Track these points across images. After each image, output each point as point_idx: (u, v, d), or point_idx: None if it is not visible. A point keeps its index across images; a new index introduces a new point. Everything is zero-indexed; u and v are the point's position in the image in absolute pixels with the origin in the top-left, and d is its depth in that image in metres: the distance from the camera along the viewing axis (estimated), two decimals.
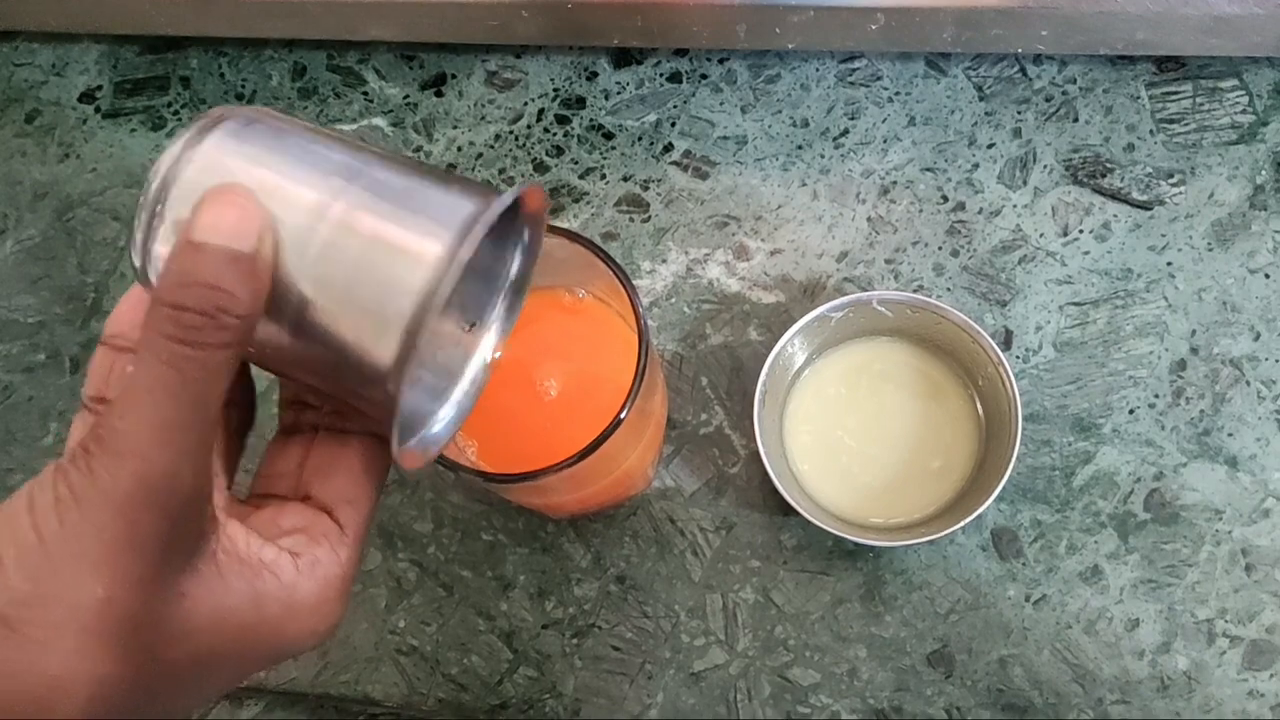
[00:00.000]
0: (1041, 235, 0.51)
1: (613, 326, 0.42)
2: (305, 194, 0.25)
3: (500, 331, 0.33)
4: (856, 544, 0.47)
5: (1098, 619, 0.46)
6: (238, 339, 0.24)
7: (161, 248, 0.26)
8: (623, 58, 0.55)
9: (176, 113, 0.57)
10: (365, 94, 0.56)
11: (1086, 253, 0.50)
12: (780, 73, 0.54)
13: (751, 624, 0.47)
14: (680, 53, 0.55)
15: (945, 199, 0.52)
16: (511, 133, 0.55)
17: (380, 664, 0.48)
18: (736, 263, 0.52)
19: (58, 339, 0.54)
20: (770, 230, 0.52)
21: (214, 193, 0.24)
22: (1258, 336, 0.49)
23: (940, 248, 0.51)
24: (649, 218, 0.53)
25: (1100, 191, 0.51)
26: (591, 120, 0.54)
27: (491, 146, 0.55)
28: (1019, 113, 0.52)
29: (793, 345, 0.46)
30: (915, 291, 0.50)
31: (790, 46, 0.51)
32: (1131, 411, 0.48)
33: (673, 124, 0.54)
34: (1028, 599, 0.47)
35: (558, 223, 0.53)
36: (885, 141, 0.53)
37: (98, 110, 0.58)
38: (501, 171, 0.54)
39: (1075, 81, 0.52)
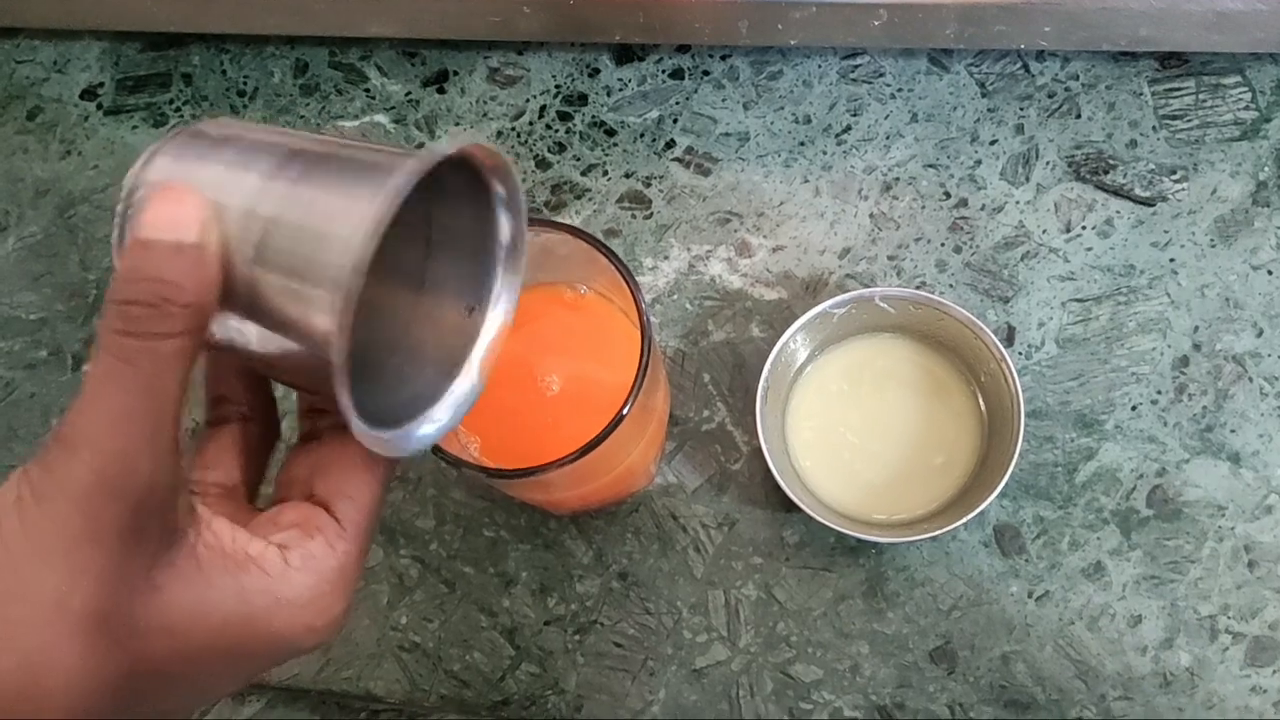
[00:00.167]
0: (1044, 231, 0.51)
1: (615, 322, 0.42)
2: (246, 181, 0.26)
3: (505, 304, 0.32)
4: (859, 540, 0.47)
5: (1100, 615, 0.46)
6: (186, 327, 0.24)
7: (120, 254, 0.27)
8: (624, 54, 0.55)
9: (178, 109, 0.57)
10: (367, 91, 0.56)
11: (1089, 249, 0.50)
12: (782, 69, 0.54)
13: (754, 620, 0.47)
14: (682, 49, 0.55)
15: (948, 195, 0.52)
16: (513, 129, 0.55)
17: (382, 660, 0.48)
18: (739, 259, 0.52)
19: (59, 336, 0.54)
20: (772, 227, 0.52)
21: (157, 191, 0.25)
22: (1260, 333, 0.49)
23: (943, 244, 0.51)
24: (651, 214, 0.53)
25: (1103, 188, 0.51)
26: (593, 117, 0.54)
27: (493, 143, 0.55)
28: (1021, 109, 0.52)
29: (795, 342, 0.46)
30: (918, 288, 0.50)
31: (792, 43, 0.51)
32: (1134, 408, 0.48)
33: (675, 120, 0.54)
34: (1030, 595, 0.46)
35: (560, 219, 0.53)
36: (888, 138, 0.53)
37: (99, 107, 0.58)
38: None
39: (1078, 78, 0.52)
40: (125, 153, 0.57)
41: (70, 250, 0.56)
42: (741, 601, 0.47)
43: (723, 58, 0.54)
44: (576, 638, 0.48)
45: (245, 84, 0.57)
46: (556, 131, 0.54)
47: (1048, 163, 0.51)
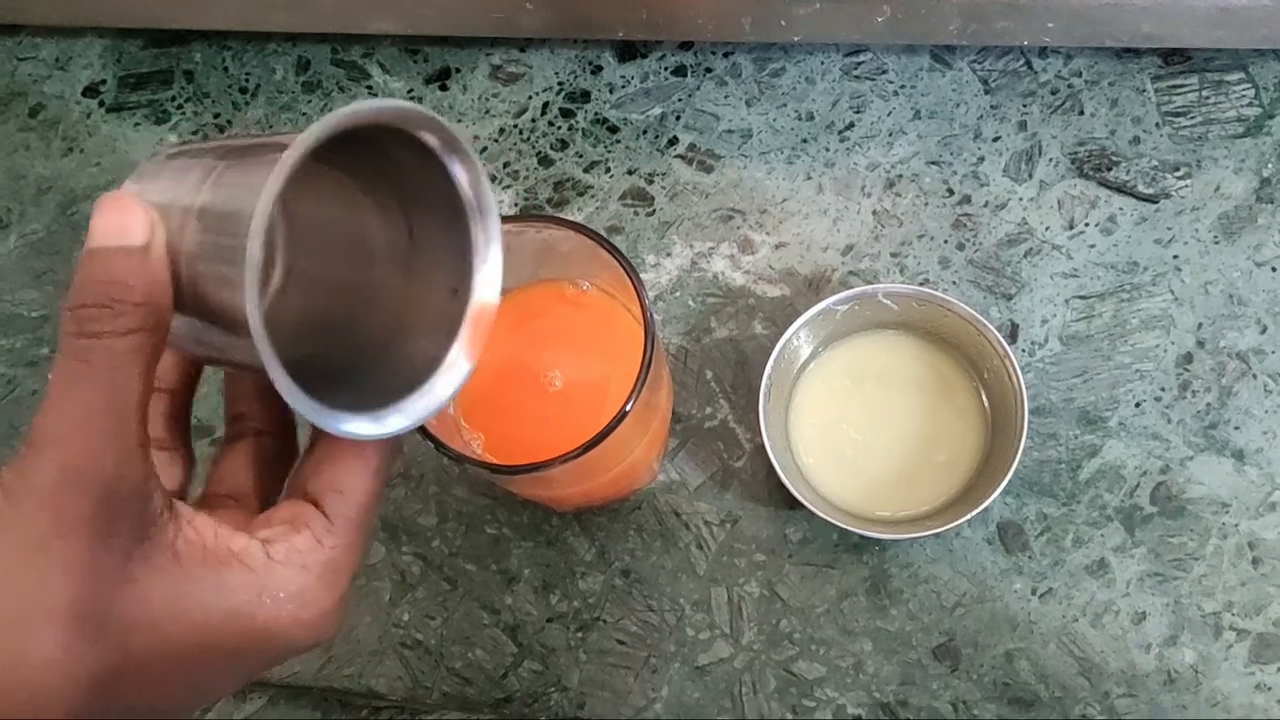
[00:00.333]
0: (1047, 228, 0.51)
1: (618, 318, 0.42)
2: (184, 184, 0.27)
3: (487, 276, 0.31)
4: (862, 537, 0.47)
5: (1104, 612, 0.46)
6: (140, 325, 0.25)
7: None
8: (627, 51, 0.55)
9: (180, 107, 0.57)
10: (369, 88, 0.56)
11: (1092, 246, 0.50)
12: (785, 66, 0.54)
13: (756, 618, 0.47)
14: (685, 46, 0.55)
15: (951, 192, 0.51)
16: (516, 126, 0.55)
17: (384, 657, 0.48)
18: (741, 256, 0.52)
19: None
20: (775, 224, 0.52)
21: (100, 203, 0.26)
22: (1264, 329, 0.48)
23: (946, 241, 0.51)
24: (653, 211, 0.53)
25: (1106, 185, 0.51)
26: (596, 114, 0.54)
27: (496, 140, 0.55)
28: (1024, 106, 0.52)
29: (798, 338, 0.46)
30: (921, 285, 0.50)
31: (795, 39, 0.51)
32: (1138, 405, 0.48)
33: (677, 117, 0.54)
34: (1034, 592, 0.46)
35: (562, 216, 0.53)
36: (890, 135, 0.53)
37: (101, 104, 0.58)
38: (506, 165, 0.54)
39: (1081, 75, 0.52)
40: (127, 150, 0.57)
41: (72, 248, 0.56)
42: (744, 599, 0.47)
43: (725, 54, 0.54)
44: (579, 635, 0.48)
45: (247, 81, 0.57)
46: (559, 129, 0.54)
47: (1051, 159, 0.51)
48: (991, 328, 0.44)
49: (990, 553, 0.47)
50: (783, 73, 0.54)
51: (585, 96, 0.55)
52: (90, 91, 0.58)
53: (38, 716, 0.24)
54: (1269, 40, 0.48)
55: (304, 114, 0.56)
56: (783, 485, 0.43)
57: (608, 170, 0.53)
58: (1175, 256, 0.50)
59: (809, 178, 0.52)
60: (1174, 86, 0.52)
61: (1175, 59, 0.52)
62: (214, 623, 0.26)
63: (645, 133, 0.54)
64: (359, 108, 0.26)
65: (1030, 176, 0.51)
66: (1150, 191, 0.51)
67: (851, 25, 0.50)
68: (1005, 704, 0.45)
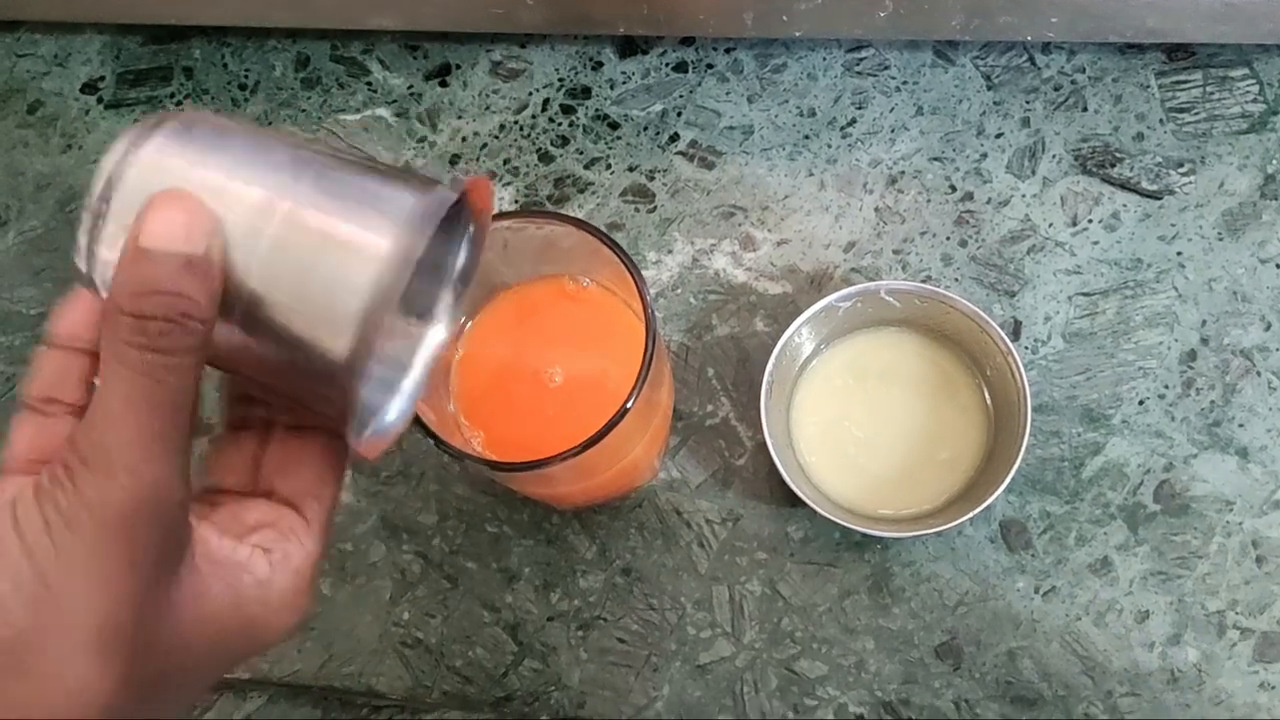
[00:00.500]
0: (1050, 225, 0.50)
1: (619, 315, 0.42)
2: (250, 193, 0.25)
3: (448, 323, 0.33)
4: (864, 535, 0.47)
5: (1107, 611, 0.46)
6: (202, 343, 0.24)
7: (107, 252, 0.25)
8: (628, 47, 0.55)
9: (179, 103, 0.57)
10: (369, 84, 0.56)
11: (1096, 243, 0.50)
12: (787, 62, 0.54)
13: (758, 616, 0.47)
14: (686, 42, 0.55)
15: (953, 189, 0.51)
16: (516, 123, 0.54)
17: (384, 656, 0.48)
18: (743, 253, 0.51)
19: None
20: (777, 220, 0.52)
21: (161, 197, 0.24)
22: (1268, 327, 0.48)
23: (948, 238, 0.51)
24: (654, 208, 0.52)
25: (1109, 181, 0.51)
26: (597, 110, 0.54)
27: (496, 137, 0.54)
28: (1027, 102, 0.52)
29: (800, 335, 0.46)
30: (923, 282, 0.50)
31: (797, 34, 0.51)
32: (1141, 402, 0.48)
33: (678, 114, 0.54)
34: (1037, 591, 0.46)
35: (563, 212, 0.53)
36: (893, 131, 0.52)
37: (100, 101, 0.58)
38: (506, 162, 0.54)
39: (1084, 70, 0.52)
40: None
41: (71, 245, 0.55)
42: (746, 597, 0.47)
43: (727, 50, 0.54)
44: (579, 633, 0.47)
45: (246, 77, 0.57)
46: (559, 125, 0.54)
47: (1054, 156, 0.51)
48: (994, 325, 0.44)
49: (993, 551, 0.47)
50: (784, 69, 0.54)
51: (586, 93, 0.54)
52: (89, 88, 0.58)
53: None
54: (1273, 35, 0.48)
55: (303, 110, 0.56)
56: (784, 483, 0.43)
57: (609, 167, 0.53)
58: (1179, 253, 0.50)
59: (811, 174, 0.52)
60: (1178, 82, 0.52)
61: (1179, 55, 0.52)
62: (228, 634, 0.26)
63: (646, 129, 0.54)
64: (473, 183, 0.27)
65: (1033, 173, 0.51)
66: (1154, 188, 0.50)
67: (854, 21, 0.49)
68: (1008, 703, 0.45)
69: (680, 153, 0.53)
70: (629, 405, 0.36)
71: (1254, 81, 0.51)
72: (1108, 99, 0.52)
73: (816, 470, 0.47)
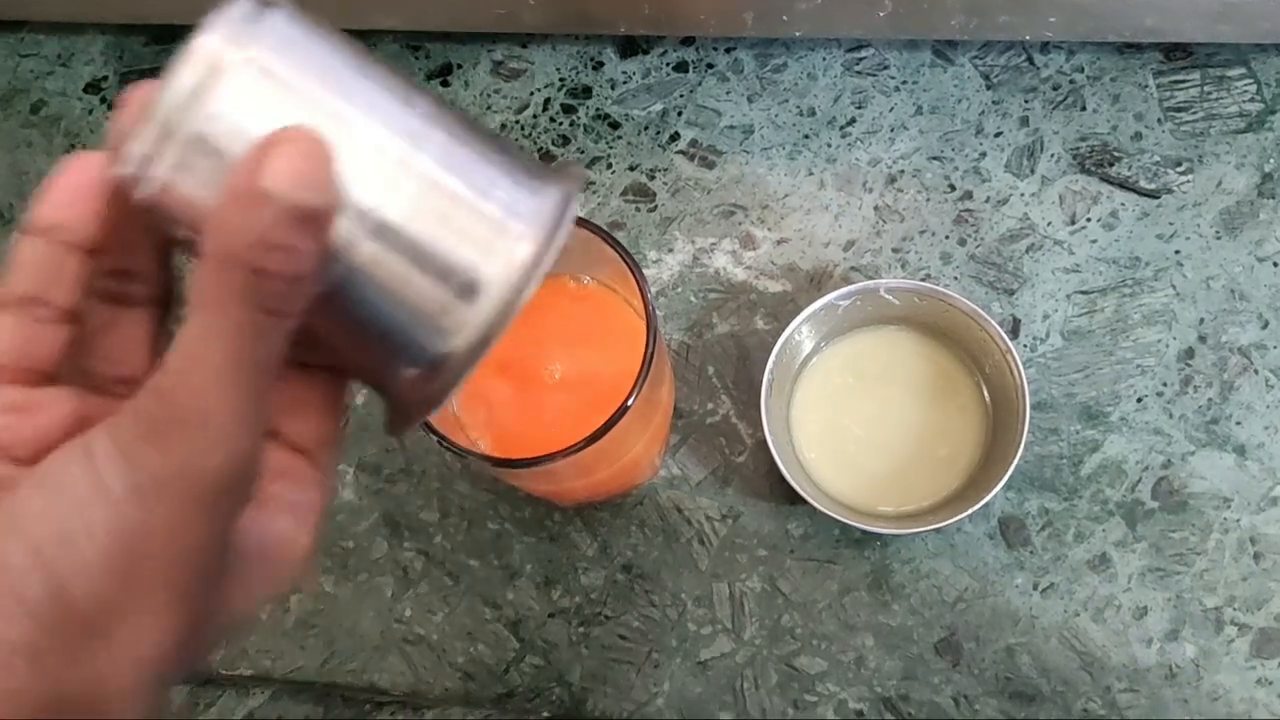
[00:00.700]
0: (1049, 224, 0.51)
1: (620, 313, 0.42)
2: (387, 141, 0.22)
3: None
4: (864, 532, 0.47)
5: (1105, 607, 0.46)
6: (307, 305, 0.21)
7: (176, 170, 0.21)
8: (629, 47, 0.55)
9: None
10: None
11: (1094, 241, 0.50)
12: (787, 62, 0.54)
13: (758, 613, 0.47)
14: (687, 42, 0.55)
15: (952, 188, 0.52)
16: (518, 122, 0.55)
17: (387, 653, 0.48)
18: (743, 252, 0.52)
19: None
20: (777, 219, 0.52)
21: (290, 134, 0.20)
22: (1266, 325, 0.49)
23: (947, 237, 0.51)
24: (655, 207, 0.53)
25: (1108, 180, 0.51)
26: (598, 110, 0.54)
27: (497, 136, 0.54)
28: (1026, 101, 0.52)
29: (800, 333, 0.46)
30: (922, 280, 0.50)
31: (797, 34, 0.51)
32: (1139, 400, 0.48)
33: (679, 113, 0.54)
34: (1035, 587, 0.46)
35: None
36: (892, 130, 0.53)
37: (103, 101, 0.58)
38: None
39: (1083, 70, 0.52)
40: None
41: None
42: (746, 594, 0.47)
43: (727, 50, 0.54)
44: (581, 630, 0.48)
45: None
46: (560, 124, 0.54)
47: (1052, 155, 0.51)
48: (993, 323, 0.44)
49: (992, 548, 0.47)
50: (784, 68, 0.54)
51: (587, 92, 0.55)
52: (92, 88, 0.58)
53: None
54: (1271, 35, 0.48)
55: None
56: (784, 480, 0.43)
57: (609, 166, 0.53)
58: (1177, 252, 0.50)
59: (811, 173, 0.52)
60: (1176, 82, 0.52)
61: (1177, 54, 0.52)
62: (254, 588, 0.24)
63: (647, 129, 0.54)
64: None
65: (1032, 172, 0.51)
66: (1152, 187, 0.51)
67: (853, 20, 0.50)
68: (1007, 699, 0.46)
69: (681, 152, 0.53)
70: (630, 403, 0.36)
71: (1251, 81, 0.51)
72: (1106, 98, 0.52)
73: (816, 467, 0.47)
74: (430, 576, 0.49)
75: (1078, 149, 0.51)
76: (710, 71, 0.54)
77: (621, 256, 0.37)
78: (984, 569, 0.47)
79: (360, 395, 0.50)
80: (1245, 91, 0.51)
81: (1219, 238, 0.50)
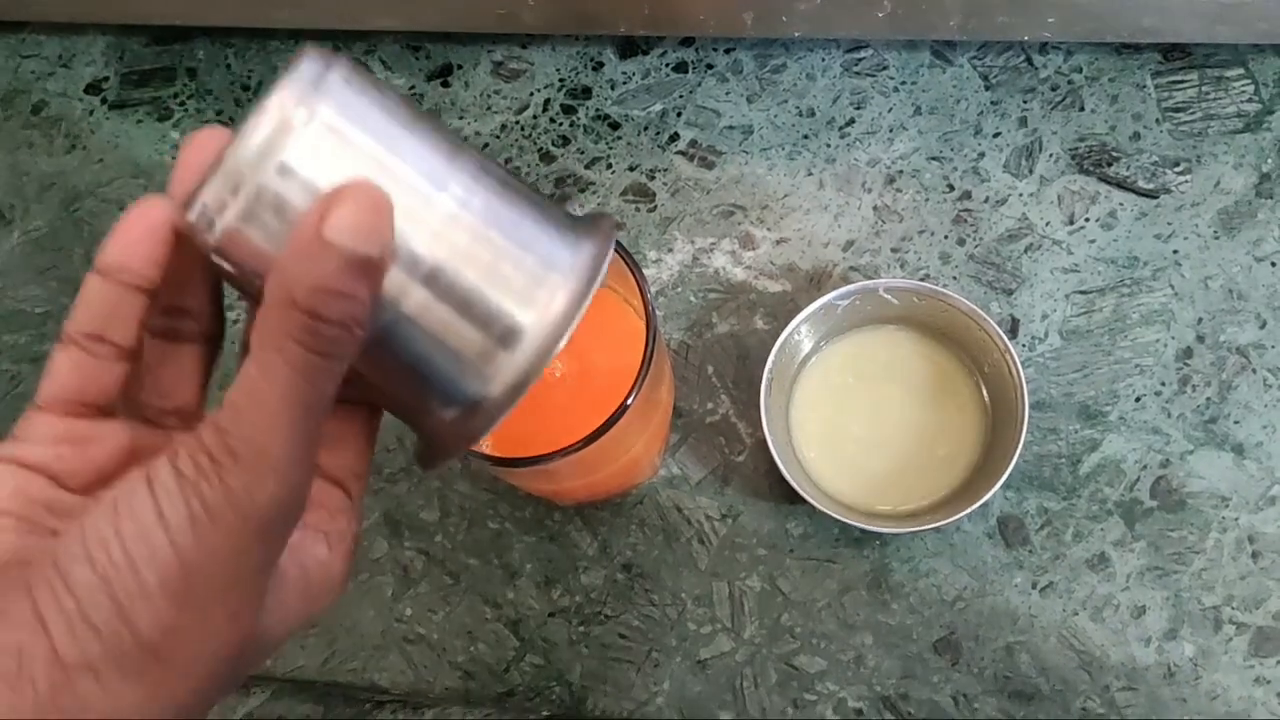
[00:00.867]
0: (1047, 224, 0.51)
1: (620, 312, 0.42)
2: (437, 197, 0.23)
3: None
4: (863, 531, 0.47)
5: (1104, 606, 0.46)
6: (356, 351, 0.23)
7: (243, 218, 0.23)
8: (629, 48, 0.55)
9: (183, 104, 0.57)
10: None
11: (1092, 241, 0.50)
12: (786, 63, 0.54)
13: (758, 612, 0.47)
14: (686, 43, 0.55)
15: (951, 188, 0.52)
16: (518, 123, 0.55)
17: (387, 652, 0.48)
18: (743, 252, 0.52)
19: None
20: (776, 219, 0.52)
21: (354, 189, 0.22)
22: (1264, 324, 0.49)
23: (946, 236, 0.51)
24: (655, 207, 0.53)
25: (1106, 180, 0.51)
26: (597, 110, 0.54)
27: (498, 136, 0.55)
28: (1025, 102, 0.52)
29: (799, 333, 0.46)
30: (921, 280, 0.50)
31: (797, 35, 0.51)
32: (1138, 399, 0.48)
33: (679, 114, 0.54)
34: (1034, 586, 0.47)
35: None
36: (891, 131, 0.53)
37: (104, 101, 0.58)
38: (508, 161, 0.54)
39: (1081, 70, 0.52)
40: (130, 147, 0.57)
41: (75, 244, 0.56)
42: (746, 593, 0.48)
43: (726, 51, 0.55)
44: (581, 629, 0.48)
45: (250, 78, 0.57)
46: (560, 125, 0.55)
47: (1051, 155, 0.52)
48: (992, 323, 0.44)
49: (991, 547, 0.47)
50: (784, 69, 0.54)
51: (587, 93, 0.55)
52: (93, 89, 0.58)
53: None
54: (1269, 35, 0.49)
55: None
56: (784, 480, 0.44)
57: (609, 166, 0.54)
58: (1175, 251, 0.50)
59: (810, 174, 0.52)
60: (1174, 82, 0.52)
61: (1175, 55, 0.52)
62: (294, 614, 0.25)
63: (646, 129, 0.54)
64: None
65: (1030, 172, 0.51)
66: (1150, 187, 0.51)
67: (852, 21, 0.50)
68: (1006, 697, 0.46)
69: (680, 152, 0.53)
70: (630, 402, 0.36)
71: (1249, 81, 0.52)
72: (1104, 99, 0.52)
73: (815, 467, 0.47)
74: (430, 576, 0.49)
75: (1076, 149, 0.51)
76: (710, 72, 0.54)
77: (621, 256, 0.37)
78: (983, 568, 0.47)
79: None
80: (1243, 92, 0.52)
81: (1217, 237, 0.50)
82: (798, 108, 0.53)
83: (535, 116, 0.55)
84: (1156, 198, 0.51)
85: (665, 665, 0.47)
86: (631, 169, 0.53)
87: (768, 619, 0.47)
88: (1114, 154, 0.51)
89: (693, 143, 0.53)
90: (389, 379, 0.25)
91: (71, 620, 0.21)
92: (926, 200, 0.52)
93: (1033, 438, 0.48)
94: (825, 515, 0.44)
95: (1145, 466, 0.47)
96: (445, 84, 0.56)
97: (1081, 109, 0.52)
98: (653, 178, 0.53)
